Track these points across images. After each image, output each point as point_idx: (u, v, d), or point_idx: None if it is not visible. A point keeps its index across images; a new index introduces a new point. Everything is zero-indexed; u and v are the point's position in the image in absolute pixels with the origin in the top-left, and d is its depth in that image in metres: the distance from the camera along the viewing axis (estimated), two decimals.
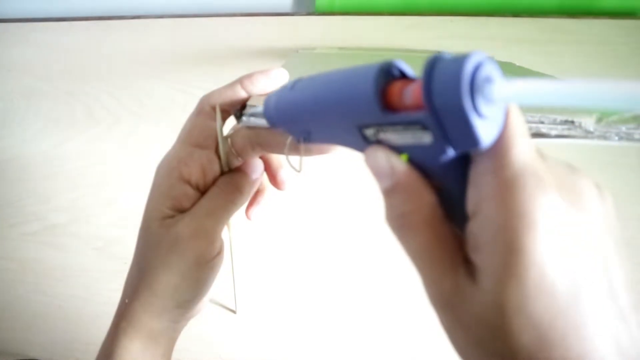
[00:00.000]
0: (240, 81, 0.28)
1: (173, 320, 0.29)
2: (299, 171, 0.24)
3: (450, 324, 0.17)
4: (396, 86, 0.18)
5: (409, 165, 0.18)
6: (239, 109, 0.26)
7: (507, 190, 0.15)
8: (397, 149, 0.19)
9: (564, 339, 0.13)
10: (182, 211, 0.27)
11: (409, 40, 0.69)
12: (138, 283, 0.28)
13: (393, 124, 0.18)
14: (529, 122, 0.25)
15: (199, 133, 0.28)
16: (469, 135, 0.15)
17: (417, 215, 0.17)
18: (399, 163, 0.18)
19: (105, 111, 0.61)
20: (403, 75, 0.19)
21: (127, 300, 0.28)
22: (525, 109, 0.26)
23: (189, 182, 0.27)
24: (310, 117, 0.22)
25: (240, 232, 0.49)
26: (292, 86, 0.23)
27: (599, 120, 0.25)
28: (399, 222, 0.18)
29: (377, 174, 0.19)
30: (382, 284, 0.47)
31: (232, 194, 0.28)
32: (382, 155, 0.19)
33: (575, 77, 0.64)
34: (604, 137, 0.25)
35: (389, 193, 0.18)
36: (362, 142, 0.20)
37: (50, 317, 0.45)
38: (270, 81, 0.27)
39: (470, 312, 0.15)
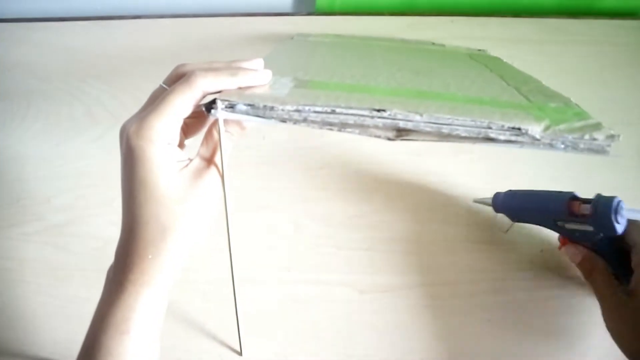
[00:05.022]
0: (234, 73, 0.30)
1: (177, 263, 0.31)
2: None
3: (618, 326, 0.36)
4: (575, 204, 0.40)
5: (582, 244, 0.42)
6: (210, 102, 0.28)
7: None
8: (572, 230, 0.41)
9: None
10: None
11: None
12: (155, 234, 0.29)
13: (574, 221, 0.40)
14: (477, 126, 0.27)
15: (181, 109, 0.29)
16: (611, 229, 0.37)
17: (596, 269, 0.40)
18: (583, 249, 0.41)
19: (105, 111, 0.61)
20: (575, 196, 0.41)
21: (150, 256, 0.29)
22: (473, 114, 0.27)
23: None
24: (524, 213, 0.45)
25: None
26: (512, 196, 0.46)
27: (546, 128, 0.26)
28: (588, 275, 0.41)
29: (572, 257, 0.42)
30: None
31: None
32: (574, 248, 0.42)
33: (575, 79, 0.64)
34: (550, 144, 0.27)
35: (580, 263, 0.41)
36: (554, 226, 0.43)
37: (50, 317, 0.45)
38: (258, 80, 0.31)
39: (630, 313, 0.35)
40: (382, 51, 0.55)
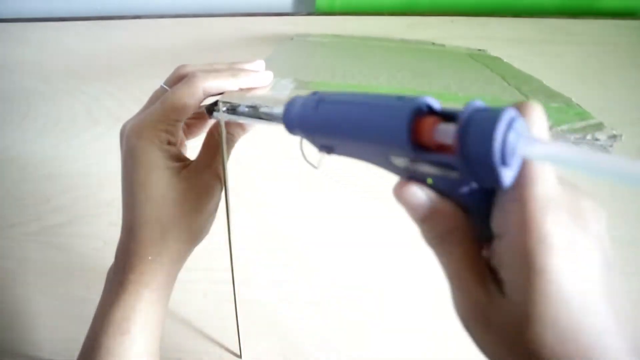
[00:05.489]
0: (235, 74, 0.30)
1: (182, 258, 0.31)
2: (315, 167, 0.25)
3: (481, 330, 0.20)
4: (426, 123, 0.19)
5: (437, 191, 0.20)
6: (212, 104, 0.28)
7: (530, 218, 0.17)
8: (423, 174, 0.20)
9: (577, 335, 0.17)
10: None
11: None
12: (150, 235, 0.29)
13: (423, 160, 0.19)
14: None
15: (182, 111, 0.29)
16: (494, 179, 0.17)
17: (454, 235, 0.20)
18: (433, 195, 0.20)
19: (105, 111, 0.61)
20: (430, 110, 0.19)
21: (150, 257, 0.29)
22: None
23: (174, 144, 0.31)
24: (336, 138, 0.22)
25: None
26: (317, 104, 0.23)
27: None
28: (439, 241, 0.21)
29: (412, 206, 0.21)
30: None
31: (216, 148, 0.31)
32: (417, 191, 0.21)
33: (575, 79, 0.64)
34: None
35: (425, 219, 0.21)
36: (390, 166, 0.21)
37: (50, 317, 0.45)
38: (259, 81, 0.31)
39: (500, 319, 0.18)
40: (382, 51, 0.55)
